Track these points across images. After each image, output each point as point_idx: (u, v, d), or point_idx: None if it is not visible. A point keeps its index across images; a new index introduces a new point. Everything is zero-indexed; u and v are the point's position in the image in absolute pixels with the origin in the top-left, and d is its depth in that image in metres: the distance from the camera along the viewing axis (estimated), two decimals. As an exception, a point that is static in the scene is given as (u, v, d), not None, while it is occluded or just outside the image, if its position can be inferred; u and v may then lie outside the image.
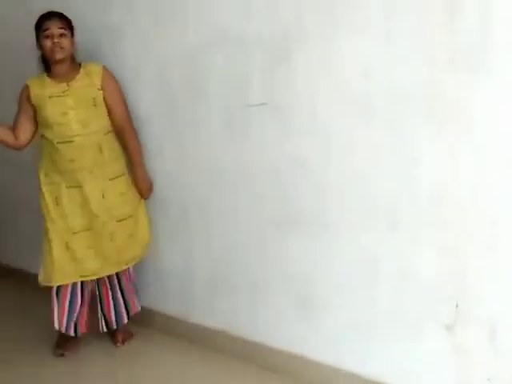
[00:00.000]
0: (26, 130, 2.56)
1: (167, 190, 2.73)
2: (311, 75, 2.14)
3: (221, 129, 2.46)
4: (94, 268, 2.59)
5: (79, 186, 2.52)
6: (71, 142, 2.47)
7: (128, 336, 2.81)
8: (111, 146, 2.59)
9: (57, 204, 2.55)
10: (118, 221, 2.59)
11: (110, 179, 2.58)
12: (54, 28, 2.45)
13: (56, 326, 2.64)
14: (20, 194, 3.42)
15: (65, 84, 2.51)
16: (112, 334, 2.79)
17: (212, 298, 2.66)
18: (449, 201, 1.90)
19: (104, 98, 2.54)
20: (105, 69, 2.58)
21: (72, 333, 2.68)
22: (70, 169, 2.50)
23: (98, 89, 2.53)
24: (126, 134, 2.61)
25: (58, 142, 2.48)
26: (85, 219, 2.55)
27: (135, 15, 2.67)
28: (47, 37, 2.45)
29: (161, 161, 2.73)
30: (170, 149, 2.68)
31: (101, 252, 2.58)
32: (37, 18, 2.50)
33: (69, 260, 2.57)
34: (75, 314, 2.65)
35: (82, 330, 2.70)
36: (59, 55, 2.46)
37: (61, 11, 2.55)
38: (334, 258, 2.20)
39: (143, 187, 2.68)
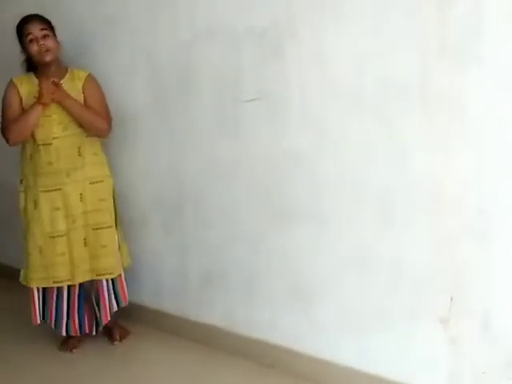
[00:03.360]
0: None
1: (162, 186, 2.73)
2: (303, 69, 2.14)
3: (214, 124, 2.45)
4: (66, 274, 2.56)
5: (58, 189, 2.50)
6: (50, 144, 2.47)
7: (125, 333, 2.80)
8: (92, 149, 2.58)
9: (35, 208, 2.54)
10: (93, 229, 2.56)
11: (91, 183, 2.56)
12: (36, 30, 2.45)
13: (37, 321, 2.65)
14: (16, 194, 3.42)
15: None
16: (109, 332, 2.78)
17: (208, 294, 2.65)
18: (442, 193, 1.89)
19: (84, 100, 2.54)
20: (90, 75, 2.59)
21: (63, 332, 2.68)
22: (48, 171, 2.49)
23: (80, 93, 2.54)
24: (100, 115, 2.54)
25: (38, 145, 2.47)
26: (61, 224, 2.52)
27: (127, 10, 2.67)
28: (31, 40, 2.44)
29: (155, 158, 2.73)
30: (163, 145, 2.68)
31: (73, 258, 2.54)
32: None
33: (42, 265, 2.55)
34: (63, 314, 2.65)
35: (73, 331, 2.69)
36: (48, 57, 2.46)
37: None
38: (329, 251, 2.19)
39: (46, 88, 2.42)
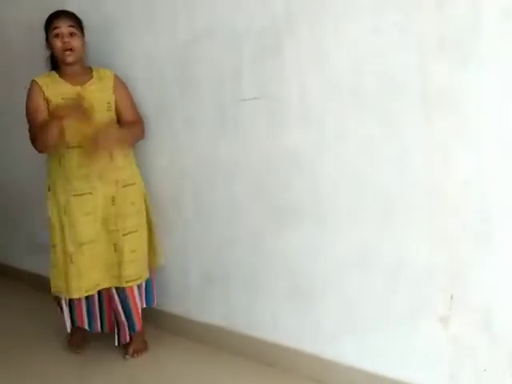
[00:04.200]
0: None
1: (162, 186, 2.73)
2: (302, 67, 2.13)
3: (214, 123, 2.45)
4: (95, 280, 2.46)
5: (89, 193, 2.40)
6: (82, 146, 2.36)
7: (141, 348, 2.65)
8: (123, 151, 2.48)
9: (64, 213, 2.41)
10: (123, 234, 2.45)
11: (124, 186, 2.47)
12: (64, 26, 2.37)
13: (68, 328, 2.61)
14: (21, 194, 3.44)
15: (79, 87, 2.42)
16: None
17: (209, 293, 2.65)
18: (442, 191, 1.89)
19: (116, 102, 2.50)
20: (116, 75, 2.55)
21: (99, 329, 2.64)
22: (79, 174, 2.38)
23: (112, 93, 2.49)
24: (136, 123, 2.55)
25: (68, 147, 2.37)
26: (92, 229, 2.42)
27: (126, 10, 2.67)
28: (57, 35, 2.37)
29: (154, 158, 2.72)
30: (163, 145, 2.67)
31: (103, 263, 2.46)
32: (46, 17, 2.43)
33: (75, 274, 2.42)
34: (96, 316, 2.61)
35: (108, 329, 2.65)
36: (70, 59, 2.39)
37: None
38: (329, 251, 2.19)
39: (102, 134, 2.32)
